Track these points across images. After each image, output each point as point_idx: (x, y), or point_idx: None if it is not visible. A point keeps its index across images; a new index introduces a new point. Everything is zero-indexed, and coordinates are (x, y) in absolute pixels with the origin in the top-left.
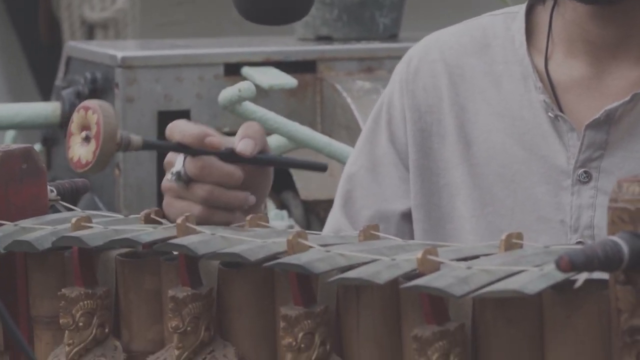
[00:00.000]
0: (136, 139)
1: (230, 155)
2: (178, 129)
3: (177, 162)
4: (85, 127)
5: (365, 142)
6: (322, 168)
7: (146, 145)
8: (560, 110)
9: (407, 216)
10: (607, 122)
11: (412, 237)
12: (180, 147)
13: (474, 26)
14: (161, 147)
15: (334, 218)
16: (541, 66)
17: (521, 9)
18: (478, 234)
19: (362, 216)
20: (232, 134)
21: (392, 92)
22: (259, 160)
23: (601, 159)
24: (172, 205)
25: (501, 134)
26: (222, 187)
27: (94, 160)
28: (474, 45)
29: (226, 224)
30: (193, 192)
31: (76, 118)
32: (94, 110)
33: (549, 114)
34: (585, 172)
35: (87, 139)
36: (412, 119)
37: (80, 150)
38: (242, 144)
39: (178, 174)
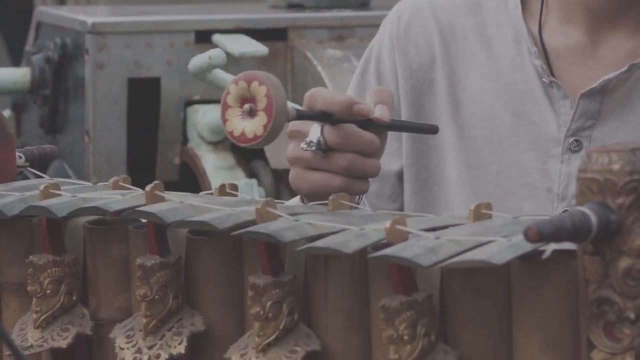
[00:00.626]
0: (292, 111)
1: (366, 122)
2: (322, 97)
3: (312, 131)
4: (247, 99)
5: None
6: (433, 130)
7: (300, 116)
8: (553, 76)
9: (401, 176)
10: (601, 91)
11: None
12: (326, 116)
13: None
14: (311, 117)
15: None
16: (535, 31)
17: None
18: (463, 197)
19: None
20: (202, 102)
21: (381, 48)
22: (388, 126)
23: (593, 128)
24: (306, 178)
25: (490, 98)
26: (362, 155)
27: (265, 134)
28: (466, 5)
29: (363, 192)
30: (333, 162)
31: (234, 90)
32: (261, 82)
33: (543, 79)
34: (576, 140)
35: (251, 113)
36: (404, 76)
37: (243, 124)
38: (379, 110)
39: (318, 142)
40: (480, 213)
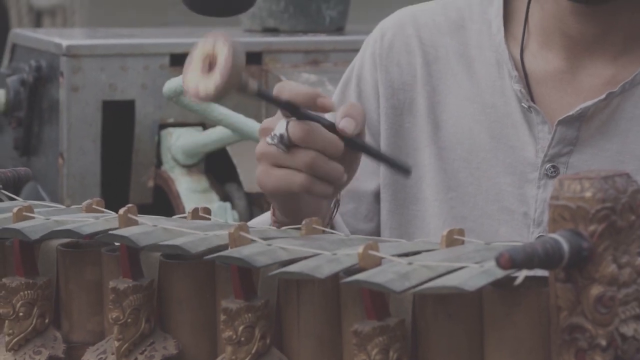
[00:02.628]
0: (253, 84)
1: (330, 129)
2: (288, 88)
3: (278, 125)
4: (209, 57)
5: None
6: (406, 171)
7: (260, 94)
8: (533, 101)
9: (378, 196)
10: (579, 119)
11: None
12: (290, 106)
13: (449, 5)
14: (273, 101)
15: None
16: (516, 54)
17: None
18: (440, 218)
19: None
20: (176, 125)
21: (363, 66)
22: (355, 144)
23: (570, 155)
24: (271, 174)
25: (470, 120)
26: (324, 155)
27: (213, 94)
28: (449, 25)
29: (325, 196)
30: (296, 158)
31: (201, 46)
32: (224, 43)
33: (522, 104)
34: (553, 166)
35: (209, 70)
36: (385, 94)
37: (199, 81)
38: (344, 121)
39: (281, 136)
40: (453, 239)
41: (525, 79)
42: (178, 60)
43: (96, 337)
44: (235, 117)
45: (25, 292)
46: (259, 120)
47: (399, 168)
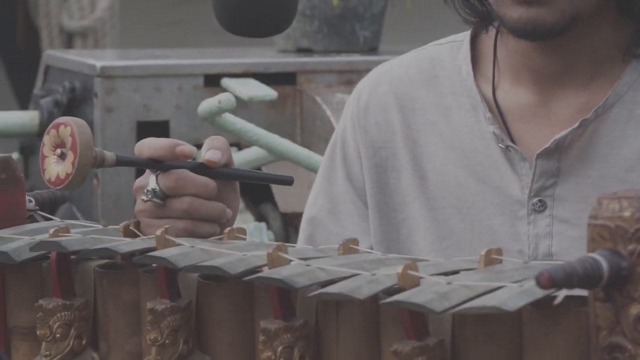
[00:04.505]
0: (110, 155)
1: (199, 169)
2: (147, 145)
3: (149, 181)
4: (58, 145)
5: (323, 181)
6: (288, 182)
7: (120, 161)
8: (511, 139)
9: None
10: (557, 150)
11: None
12: (153, 162)
13: (421, 57)
14: (135, 163)
15: None
16: (489, 94)
17: (466, 37)
18: None
19: None
20: None
21: (345, 128)
22: (226, 174)
23: (554, 187)
24: (153, 226)
25: (454, 167)
26: (199, 198)
27: (74, 172)
28: (422, 77)
29: (211, 235)
30: (172, 208)
31: (47, 139)
32: (66, 124)
33: (500, 144)
34: (539, 200)
35: (62, 156)
36: (367, 155)
37: (57, 168)
38: (209, 153)
39: (153, 191)
40: (491, 258)
41: (500, 117)
42: (212, 81)
43: (134, 358)
44: (270, 138)
45: (63, 314)
46: (294, 141)
47: (280, 181)
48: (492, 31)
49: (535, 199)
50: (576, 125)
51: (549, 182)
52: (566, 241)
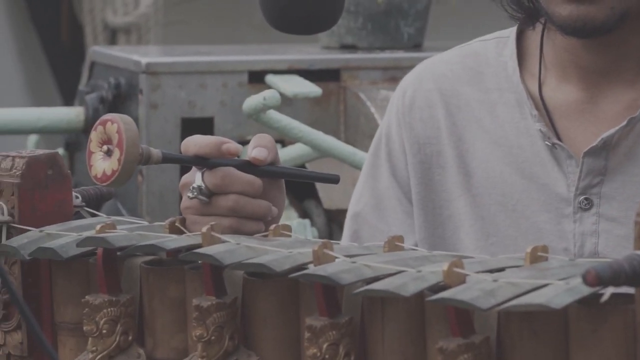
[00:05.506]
0: (156, 152)
1: (245, 166)
2: (193, 142)
3: (195, 178)
4: (105, 141)
5: (368, 178)
6: (334, 180)
7: (166, 159)
8: (557, 136)
9: None
10: (604, 148)
11: None
12: (199, 159)
13: (465, 53)
14: (180, 160)
15: None
16: (535, 91)
17: (512, 33)
18: None
19: None
20: None
21: (390, 125)
22: (272, 172)
23: (601, 185)
24: (198, 223)
25: (500, 163)
26: (245, 196)
27: (120, 168)
28: (467, 73)
29: (256, 233)
30: (218, 205)
31: (94, 136)
32: (112, 121)
33: (546, 142)
34: (586, 198)
35: (108, 152)
36: (412, 151)
37: (103, 164)
38: (255, 151)
39: (199, 188)
40: (537, 256)
41: (547, 114)
42: (256, 78)
43: (180, 354)
44: (315, 134)
45: (109, 310)
46: (338, 137)
47: (327, 179)
48: (538, 27)
49: (582, 197)
50: (624, 123)
51: (596, 180)
52: (613, 240)
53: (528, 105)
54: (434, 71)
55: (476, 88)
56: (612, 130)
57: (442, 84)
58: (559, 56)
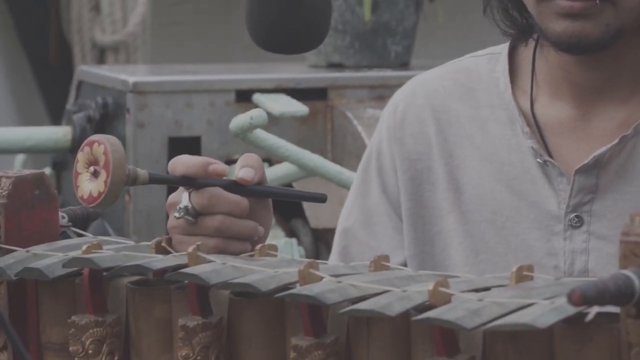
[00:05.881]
0: (143, 173)
1: (232, 187)
2: (180, 163)
3: (182, 198)
4: (91, 162)
5: (358, 193)
6: (321, 199)
7: (153, 179)
8: (549, 153)
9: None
10: (596, 166)
11: None
12: (186, 180)
13: (457, 69)
14: (167, 181)
15: None
16: (527, 108)
17: (504, 49)
18: None
19: None
20: None
21: (381, 140)
22: (259, 192)
23: (592, 203)
24: (185, 243)
25: (490, 180)
26: (231, 216)
27: (106, 190)
28: (458, 89)
29: (242, 253)
30: (204, 225)
31: (81, 156)
32: (99, 142)
33: (538, 159)
34: (576, 216)
35: (95, 173)
36: (402, 167)
37: (90, 186)
38: (242, 171)
39: (186, 208)
40: (522, 275)
41: (538, 131)
42: (244, 97)
43: None
44: (301, 154)
45: (95, 330)
46: (325, 156)
47: (314, 198)
48: (530, 44)
49: (572, 215)
50: (616, 141)
51: (587, 198)
52: (603, 257)
53: (519, 122)
54: (426, 87)
55: (468, 104)
56: (604, 148)
57: (434, 100)
58: (552, 73)
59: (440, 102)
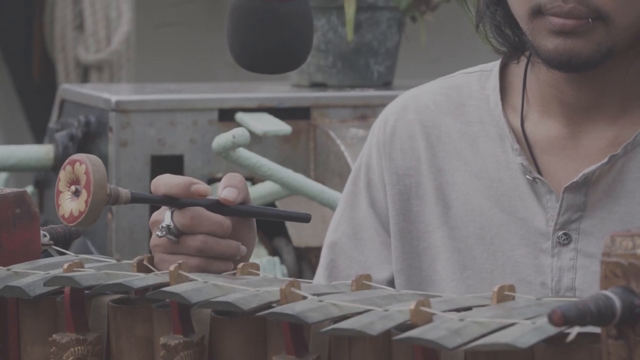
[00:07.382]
0: (125, 192)
1: (215, 206)
2: (163, 182)
3: (165, 217)
4: (73, 181)
5: (346, 207)
6: (305, 219)
7: (135, 199)
8: (538, 170)
9: (391, 283)
10: (585, 184)
11: None
12: (168, 199)
13: (448, 85)
14: (150, 200)
15: None
16: (517, 125)
17: (495, 66)
18: None
19: None
20: None
21: (370, 154)
22: (243, 211)
23: (580, 221)
24: (166, 261)
25: (479, 196)
26: (214, 236)
27: (87, 209)
28: (449, 105)
29: (224, 272)
30: (186, 245)
31: (63, 175)
32: (81, 162)
33: (527, 176)
34: (564, 234)
35: (76, 192)
36: (391, 182)
37: (71, 205)
38: (225, 191)
39: (168, 227)
40: (504, 295)
41: (528, 148)
42: (226, 116)
43: None
44: (284, 172)
45: (76, 348)
46: (308, 175)
47: (298, 218)
48: (522, 61)
49: (561, 232)
50: (605, 160)
51: (575, 216)
52: (590, 275)
53: (509, 138)
54: (417, 102)
55: (458, 120)
56: (593, 167)
57: (424, 115)
58: (542, 91)
59: (431, 118)
